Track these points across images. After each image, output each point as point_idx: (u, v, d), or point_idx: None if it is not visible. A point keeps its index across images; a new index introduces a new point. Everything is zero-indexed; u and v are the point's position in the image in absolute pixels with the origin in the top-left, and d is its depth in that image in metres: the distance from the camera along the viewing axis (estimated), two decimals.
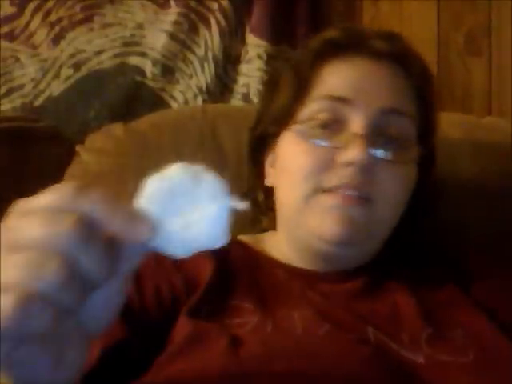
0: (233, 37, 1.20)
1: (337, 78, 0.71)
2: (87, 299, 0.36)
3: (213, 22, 1.19)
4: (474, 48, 1.23)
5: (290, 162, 0.70)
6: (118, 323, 0.57)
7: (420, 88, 0.73)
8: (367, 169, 0.65)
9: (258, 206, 0.80)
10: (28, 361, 0.35)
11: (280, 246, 0.75)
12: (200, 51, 1.19)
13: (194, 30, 1.19)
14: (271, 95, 0.77)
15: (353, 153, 0.65)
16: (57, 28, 1.18)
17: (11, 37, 1.17)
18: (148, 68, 1.18)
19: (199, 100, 1.18)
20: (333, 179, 0.66)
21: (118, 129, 1.00)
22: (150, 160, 0.94)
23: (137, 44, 1.19)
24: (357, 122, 0.67)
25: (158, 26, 1.19)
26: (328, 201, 0.66)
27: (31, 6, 1.18)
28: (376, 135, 0.67)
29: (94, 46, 1.18)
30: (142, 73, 1.18)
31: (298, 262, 0.72)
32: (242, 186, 0.81)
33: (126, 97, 1.17)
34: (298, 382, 0.53)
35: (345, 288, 0.68)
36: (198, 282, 0.66)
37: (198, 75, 1.19)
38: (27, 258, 0.33)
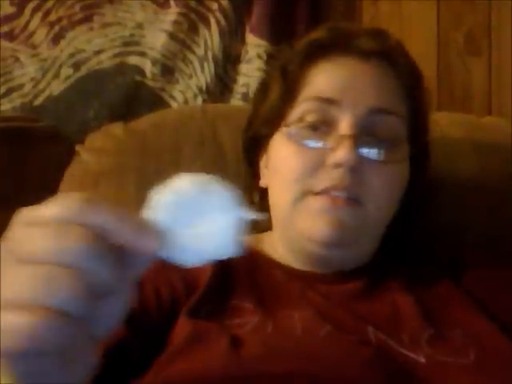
0: (232, 36, 1.20)
1: (324, 78, 0.71)
2: (98, 307, 0.36)
3: (212, 21, 1.19)
4: (473, 48, 1.23)
5: (281, 163, 0.70)
6: (119, 325, 0.57)
7: (409, 86, 0.73)
8: (356, 169, 0.65)
9: (254, 207, 0.80)
10: (42, 372, 0.35)
11: (276, 246, 0.75)
12: (200, 51, 1.19)
13: (193, 29, 1.19)
14: (262, 96, 0.78)
15: (341, 154, 0.65)
16: (56, 28, 1.18)
17: (11, 36, 1.17)
18: (148, 68, 1.18)
19: (199, 100, 1.18)
20: (322, 181, 0.66)
21: (117, 128, 1.00)
22: (150, 160, 0.94)
23: (136, 44, 1.19)
24: (345, 123, 0.67)
25: (158, 26, 1.19)
26: (317, 203, 0.66)
27: (31, 5, 1.18)
28: (365, 135, 0.67)
29: (94, 45, 1.18)
30: (141, 72, 1.18)
31: (294, 263, 0.72)
32: (242, 185, 0.81)
33: (126, 96, 1.17)
34: (299, 383, 0.53)
35: (344, 289, 0.68)
36: (198, 282, 0.66)
37: (198, 75, 1.19)
38: (42, 272, 0.33)
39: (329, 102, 0.69)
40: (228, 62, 1.20)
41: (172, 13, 1.19)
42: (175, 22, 1.18)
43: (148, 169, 0.93)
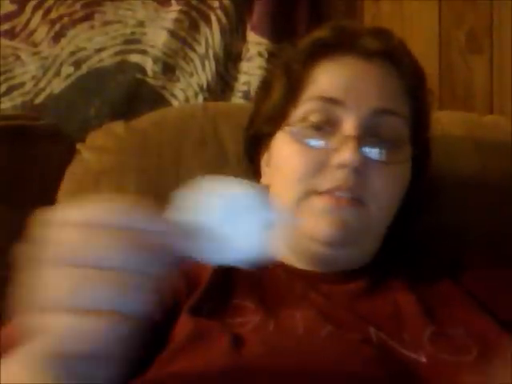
0: (234, 34, 1.20)
1: (328, 78, 0.71)
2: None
3: (213, 19, 1.19)
4: (475, 46, 1.22)
5: (284, 163, 0.70)
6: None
7: (412, 86, 0.73)
8: (359, 170, 0.65)
9: None
10: (94, 371, 0.36)
11: (278, 245, 0.75)
12: (201, 49, 1.19)
13: (194, 27, 1.19)
14: (264, 95, 0.77)
15: (345, 155, 0.65)
16: (57, 26, 1.18)
17: (12, 35, 1.17)
18: (149, 66, 1.18)
19: (200, 98, 1.18)
20: (326, 182, 0.66)
21: (118, 127, 1.00)
22: (151, 158, 0.94)
23: (137, 42, 1.19)
24: (349, 124, 0.67)
25: (159, 24, 1.19)
26: (321, 203, 0.66)
27: (31, 3, 1.17)
28: (368, 136, 0.67)
29: (95, 43, 1.18)
30: (142, 70, 1.18)
31: (296, 262, 0.72)
32: None
33: (127, 95, 1.17)
34: (300, 382, 0.53)
35: (346, 289, 0.68)
36: (200, 280, 0.66)
37: (199, 73, 1.19)
38: (94, 276, 0.34)
39: (332, 101, 0.69)
40: (229, 60, 1.20)
41: (173, 11, 1.18)
42: (176, 20, 1.18)
43: (149, 167, 0.93)
